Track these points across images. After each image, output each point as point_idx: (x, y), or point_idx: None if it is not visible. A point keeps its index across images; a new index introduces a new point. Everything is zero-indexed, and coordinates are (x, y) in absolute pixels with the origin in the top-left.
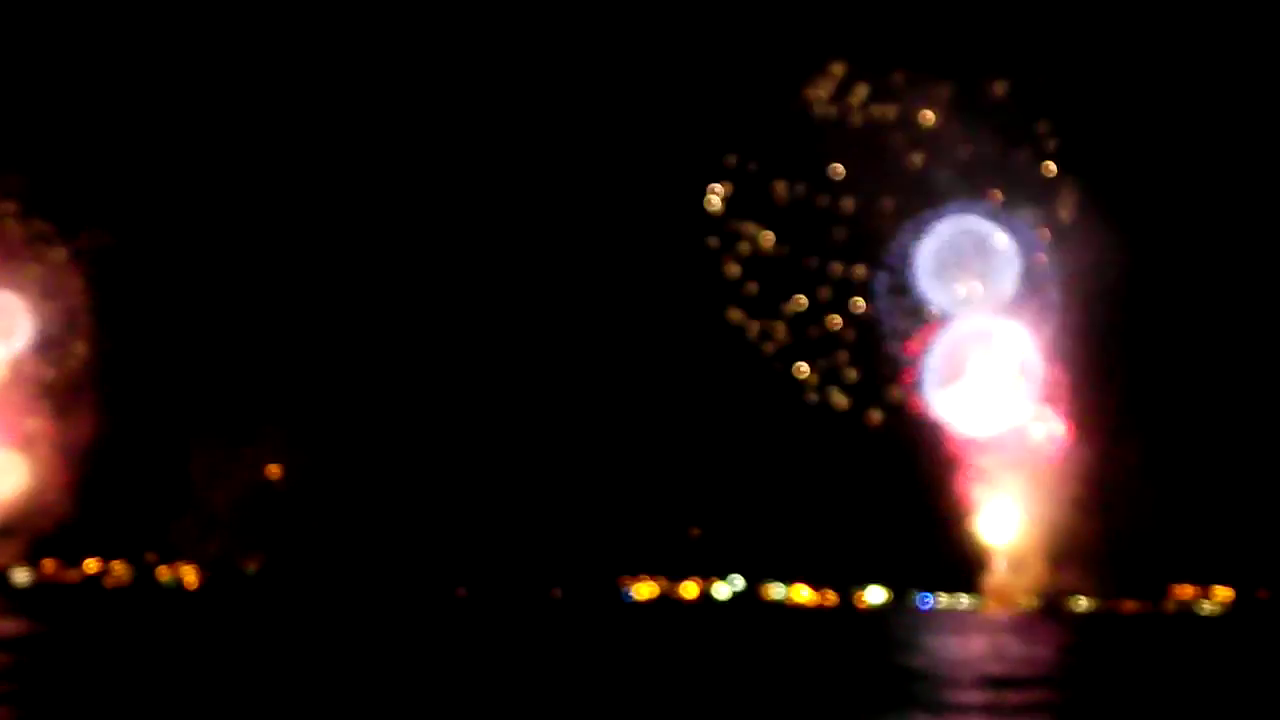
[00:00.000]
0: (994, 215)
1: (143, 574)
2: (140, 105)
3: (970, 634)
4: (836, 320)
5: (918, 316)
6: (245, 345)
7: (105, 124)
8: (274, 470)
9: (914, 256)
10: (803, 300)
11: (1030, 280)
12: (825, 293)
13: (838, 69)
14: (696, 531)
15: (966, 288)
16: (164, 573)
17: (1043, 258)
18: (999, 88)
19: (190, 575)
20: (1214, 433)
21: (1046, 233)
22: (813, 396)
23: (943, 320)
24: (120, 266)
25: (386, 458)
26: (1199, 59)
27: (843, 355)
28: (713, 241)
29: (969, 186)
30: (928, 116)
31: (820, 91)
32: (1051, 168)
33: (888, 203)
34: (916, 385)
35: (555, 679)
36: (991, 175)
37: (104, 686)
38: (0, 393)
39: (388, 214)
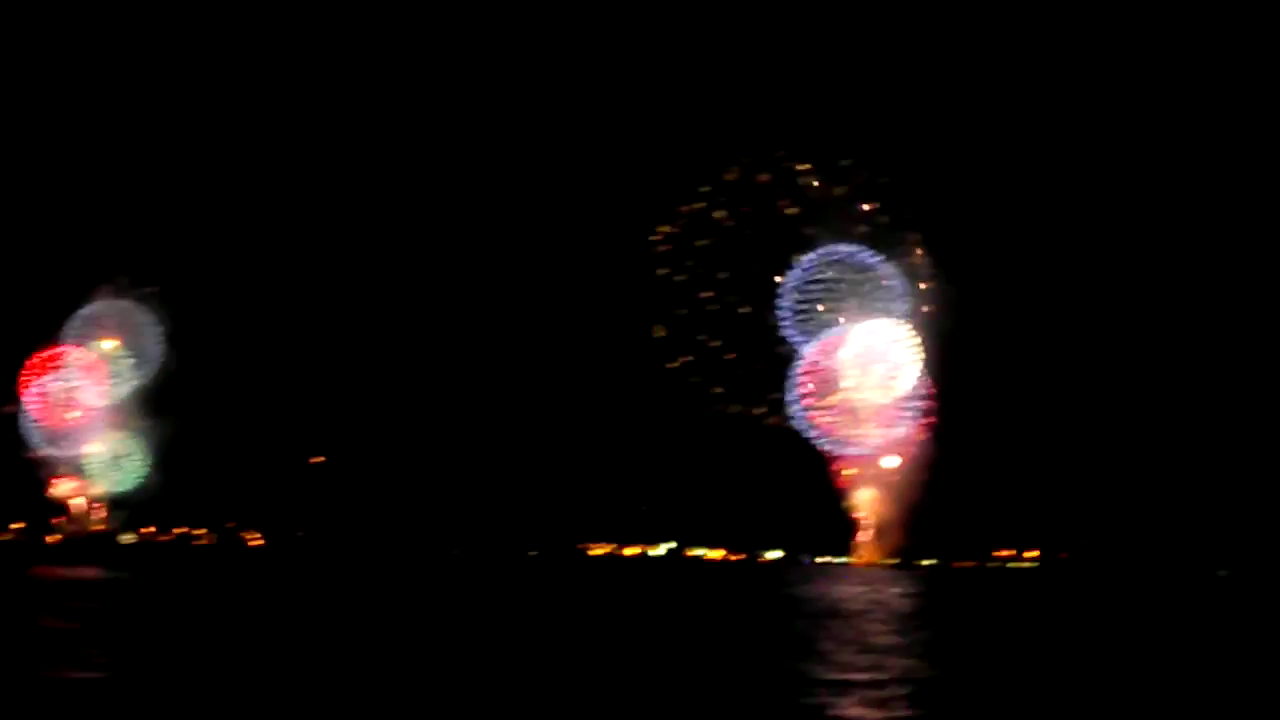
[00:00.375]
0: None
1: (223, 537)
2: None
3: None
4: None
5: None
6: (293, 366)
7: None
8: (318, 459)
9: (788, 287)
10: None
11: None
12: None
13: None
14: (644, 507)
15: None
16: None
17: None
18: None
19: (256, 539)
20: (1030, 429)
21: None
22: (728, 407)
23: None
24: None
25: (401, 450)
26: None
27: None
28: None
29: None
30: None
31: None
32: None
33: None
34: (791, 400)
35: (532, 622)
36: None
37: (185, 619)
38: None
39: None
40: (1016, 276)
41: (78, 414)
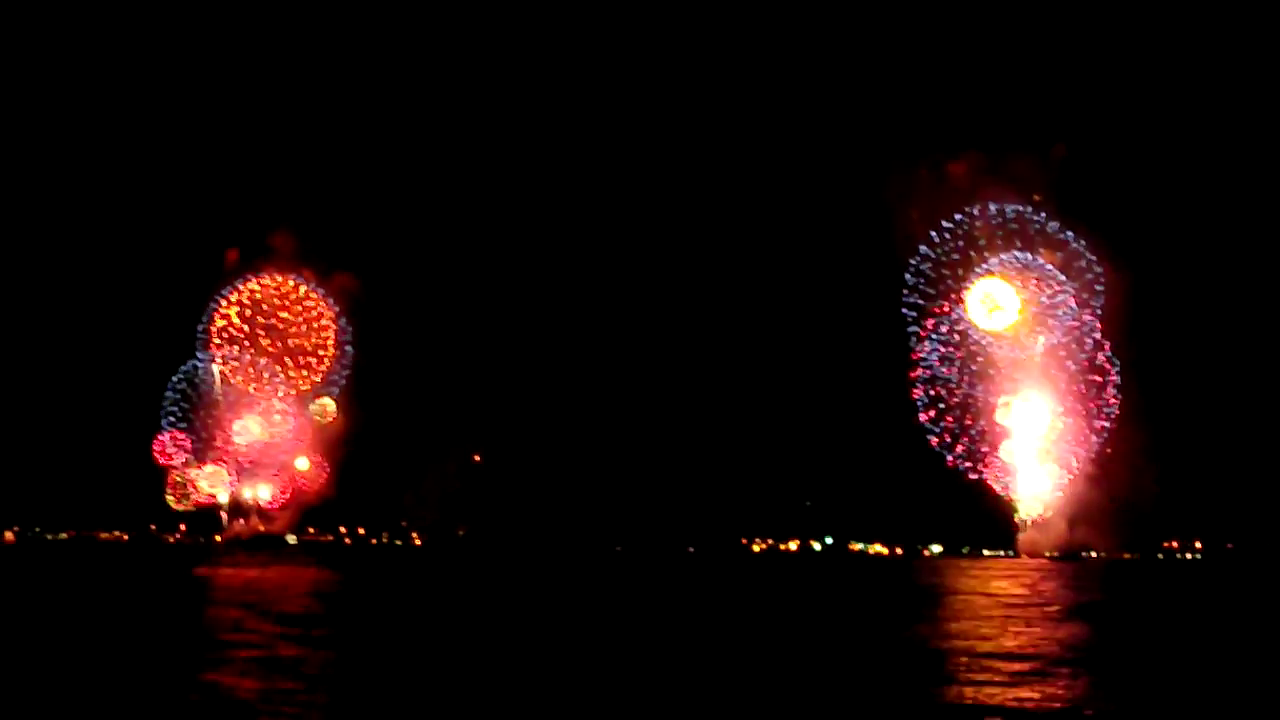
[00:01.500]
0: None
1: (394, 534)
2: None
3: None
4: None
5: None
6: (454, 373)
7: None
8: (476, 458)
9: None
10: None
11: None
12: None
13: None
14: (808, 503)
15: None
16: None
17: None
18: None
19: (415, 538)
20: (1193, 428)
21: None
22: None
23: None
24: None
25: (561, 450)
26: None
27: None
28: None
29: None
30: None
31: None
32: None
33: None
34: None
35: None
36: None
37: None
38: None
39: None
40: (1187, 271)
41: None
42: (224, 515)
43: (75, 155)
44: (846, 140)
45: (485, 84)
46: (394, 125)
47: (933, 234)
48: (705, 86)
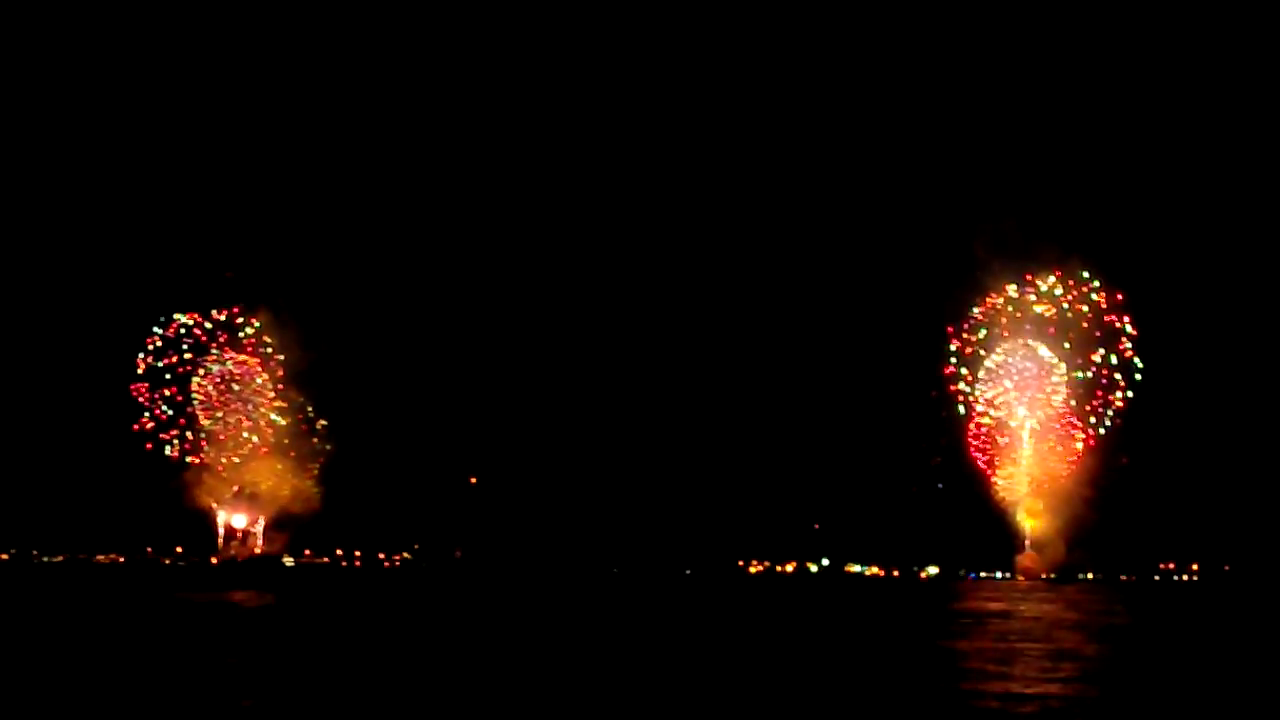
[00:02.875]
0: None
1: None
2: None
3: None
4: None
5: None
6: (449, 394)
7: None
8: (473, 480)
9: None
10: None
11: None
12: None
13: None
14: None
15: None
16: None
17: None
18: None
19: (409, 559)
20: (1189, 452)
21: None
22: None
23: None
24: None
25: (557, 472)
26: None
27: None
28: None
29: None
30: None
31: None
32: None
33: None
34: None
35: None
36: None
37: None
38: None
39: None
40: (1185, 291)
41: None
42: (220, 537)
43: (75, 182)
44: (842, 163)
45: (485, 98)
46: (382, 126)
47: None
48: (728, 118)
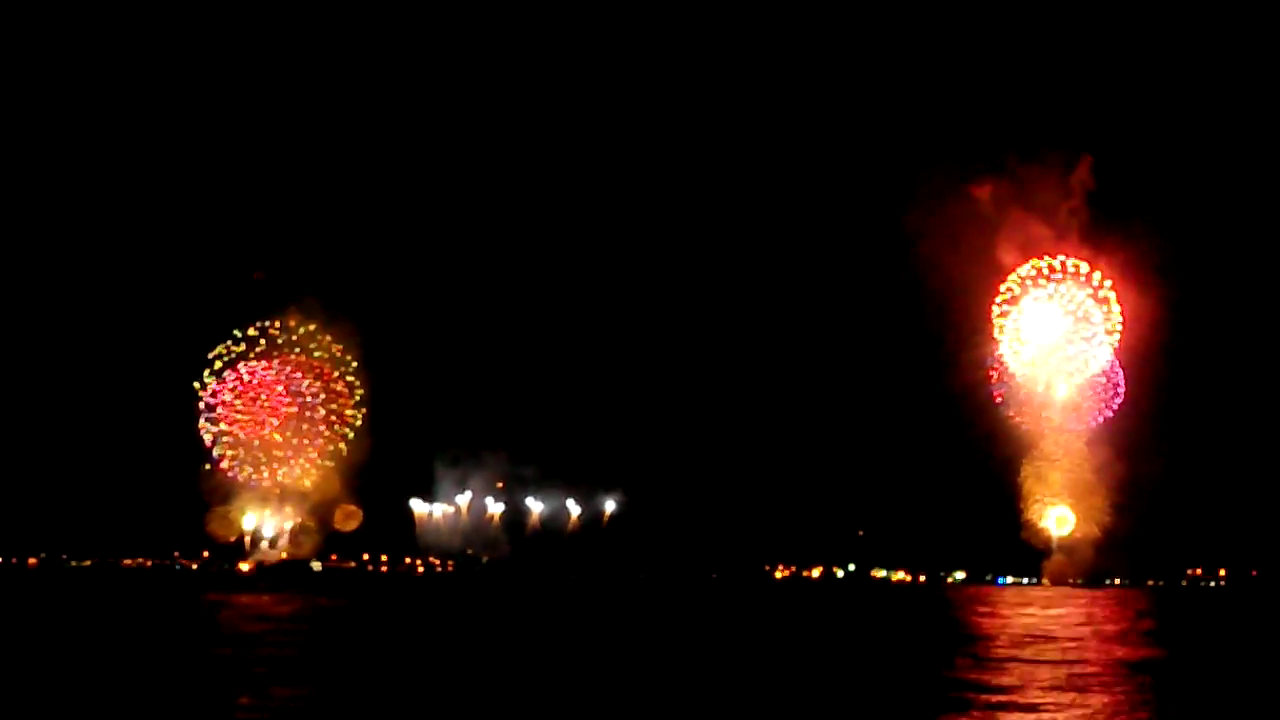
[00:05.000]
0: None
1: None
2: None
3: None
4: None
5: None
6: (477, 403)
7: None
8: (500, 485)
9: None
10: None
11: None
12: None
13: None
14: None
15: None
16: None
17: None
18: None
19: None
20: (1213, 457)
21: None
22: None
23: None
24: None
25: (584, 479)
26: None
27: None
28: None
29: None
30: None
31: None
32: None
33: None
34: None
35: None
36: None
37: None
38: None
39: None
40: (1214, 296)
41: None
42: (248, 541)
43: (111, 191)
44: (869, 167)
45: (506, 117)
46: (399, 144)
47: None
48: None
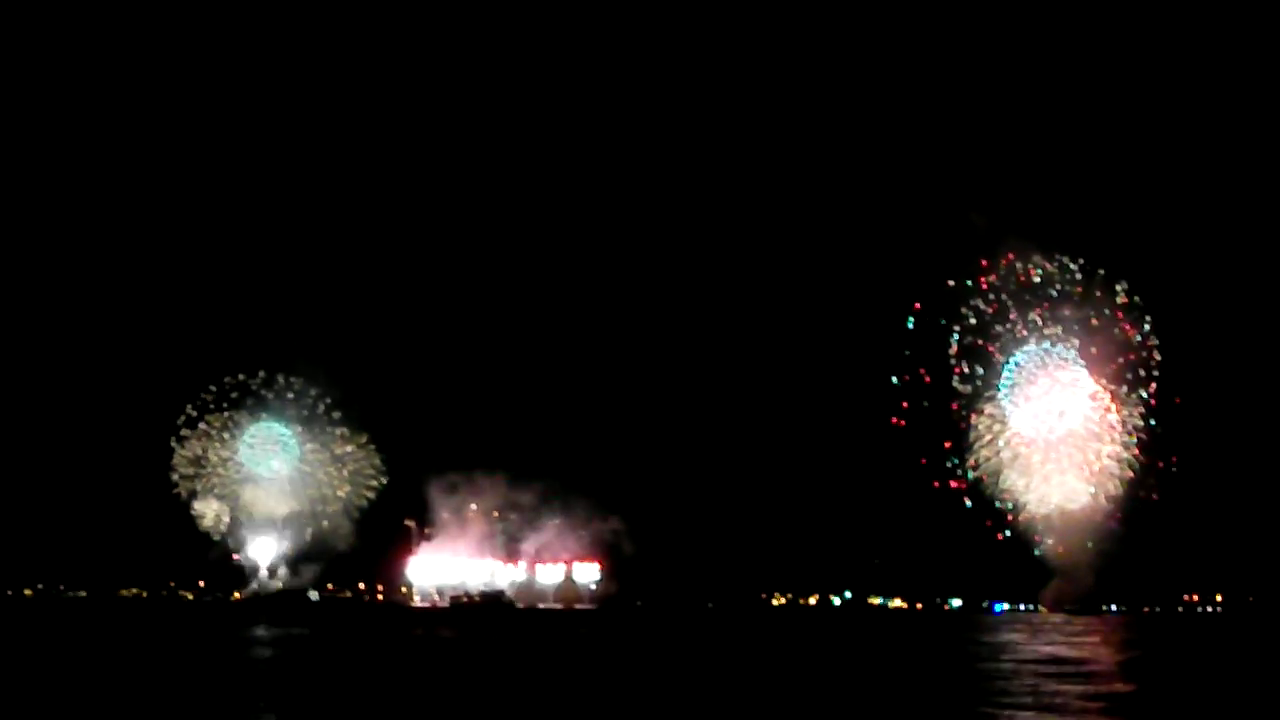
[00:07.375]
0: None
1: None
2: None
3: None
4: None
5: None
6: (475, 429)
7: None
8: (496, 514)
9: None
10: None
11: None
12: None
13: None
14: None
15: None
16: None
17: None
18: None
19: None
20: (1209, 488)
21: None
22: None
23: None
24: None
25: (581, 506)
26: None
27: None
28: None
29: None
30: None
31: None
32: None
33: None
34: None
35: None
36: None
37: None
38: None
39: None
40: (1210, 320)
41: None
42: (245, 570)
43: (110, 220)
44: (870, 179)
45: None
46: (394, 161)
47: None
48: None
